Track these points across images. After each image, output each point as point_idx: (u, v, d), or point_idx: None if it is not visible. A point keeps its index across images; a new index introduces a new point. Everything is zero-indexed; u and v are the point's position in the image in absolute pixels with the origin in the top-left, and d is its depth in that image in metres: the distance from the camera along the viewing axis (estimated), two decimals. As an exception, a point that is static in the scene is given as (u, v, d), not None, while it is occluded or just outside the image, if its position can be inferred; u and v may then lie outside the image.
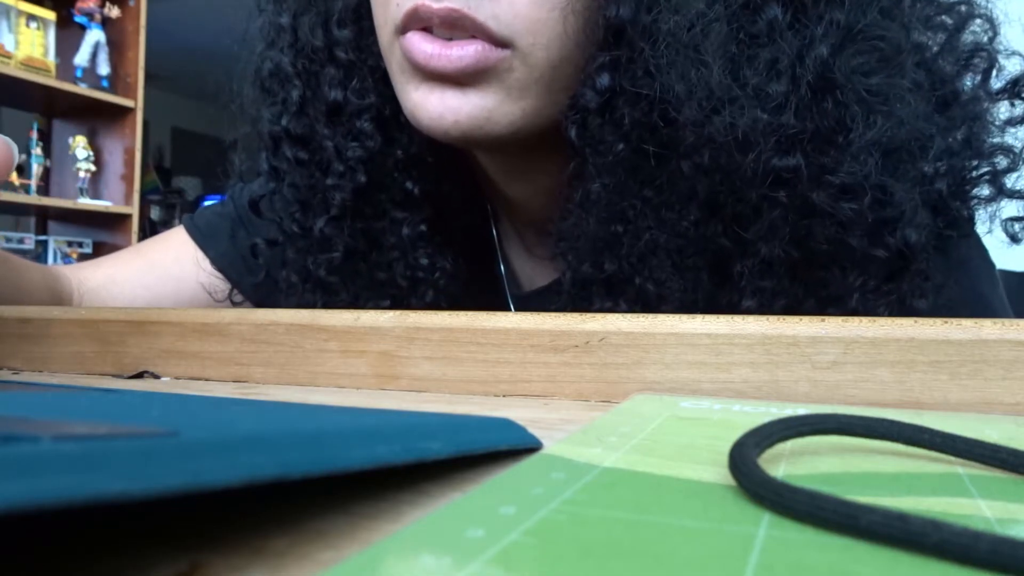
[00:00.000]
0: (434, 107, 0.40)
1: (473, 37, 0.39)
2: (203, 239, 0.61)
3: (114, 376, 0.39)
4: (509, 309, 0.55)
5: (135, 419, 0.18)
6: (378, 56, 0.47)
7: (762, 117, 0.36)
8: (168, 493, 0.11)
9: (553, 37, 0.39)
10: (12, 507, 0.09)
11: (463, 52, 0.39)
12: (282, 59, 0.50)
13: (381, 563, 0.12)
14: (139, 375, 0.39)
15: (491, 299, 0.55)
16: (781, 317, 0.28)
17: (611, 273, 0.41)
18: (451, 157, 0.50)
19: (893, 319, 0.27)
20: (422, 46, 0.39)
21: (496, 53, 0.39)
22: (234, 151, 0.55)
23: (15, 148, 0.38)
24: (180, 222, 0.64)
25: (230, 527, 0.14)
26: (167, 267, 0.61)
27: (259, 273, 0.55)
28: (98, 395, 0.26)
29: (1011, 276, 0.75)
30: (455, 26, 0.38)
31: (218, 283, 0.59)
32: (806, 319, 0.28)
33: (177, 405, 0.23)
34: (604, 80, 0.39)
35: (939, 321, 0.26)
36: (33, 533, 0.14)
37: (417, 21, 0.39)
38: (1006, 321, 0.26)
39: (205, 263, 0.60)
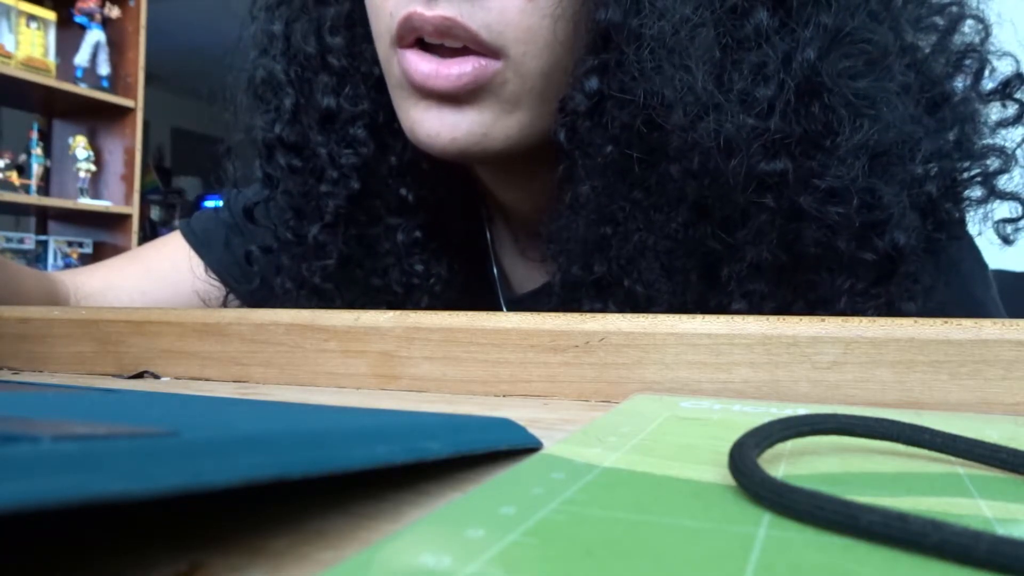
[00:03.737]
0: (431, 125, 0.41)
1: (465, 48, 0.39)
2: (199, 245, 0.61)
3: (114, 376, 0.39)
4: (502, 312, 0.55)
5: (135, 419, 0.18)
6: (371, 63, 0.47)
7: (748, 122, 0.36)
8: (168, 493, 0.11)
9: (543, 45, 0.39)
10: (12, 507, 0.09)
11: (462, 70, 0.39)
12: (275, 67, 0.50)
13: (381, 563, 0.12)
14: (139, 375, 0.39)
15: (484, 302, 0.55)
16: (781, 317, 0.28)
17: (600, 275, 0.41)
18: (446, 163, 0.51)
19: (893, 319, 0.27)
20: (419, 66, 0.39)
21: (491, 67, 0.39)
22: (228, 158, 0.55)
23: None
24: (179, 223, 0.64)
25: (230, 527, 0.14)
26: (164, 273, 0.61)
27: (254, 280, 0.55)
28: (98, 395, 0.26)
29: (1008, 276, 0.75)
30: (448, 34, 0.38)
31: (212, 289, 0.59)
32: (806, 319, 0.28)
33: (177, 405, 0.23)
34: (592, 84, 0.39)
35: (939, 321, 0.26)
36: (33, 533, 0.14)
37: (411, 30, 0.39)
38: (1006, 321, 0.26)
39: (200, 269, 0.60)
